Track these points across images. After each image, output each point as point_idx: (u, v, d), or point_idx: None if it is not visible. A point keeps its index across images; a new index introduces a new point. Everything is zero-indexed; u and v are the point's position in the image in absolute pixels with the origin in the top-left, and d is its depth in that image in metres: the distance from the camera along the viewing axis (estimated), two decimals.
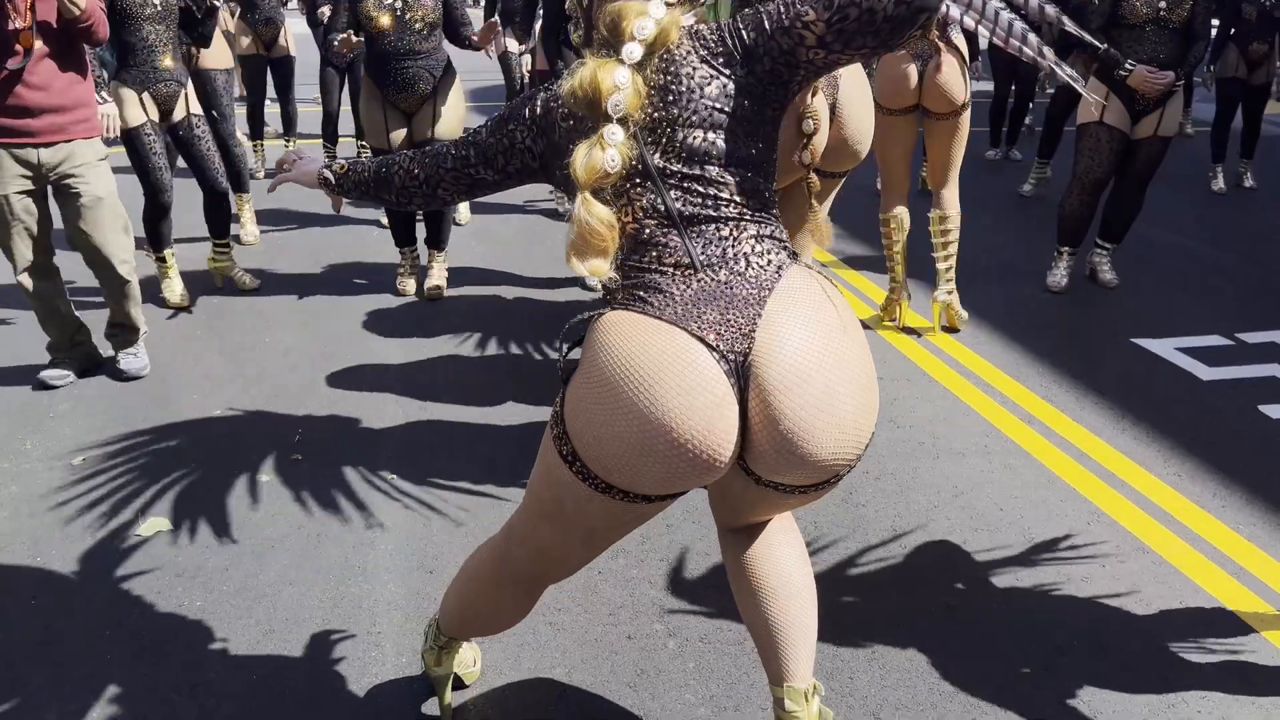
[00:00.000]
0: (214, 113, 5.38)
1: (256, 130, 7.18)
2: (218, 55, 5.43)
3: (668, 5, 1.54)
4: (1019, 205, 6.56)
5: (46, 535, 2.78)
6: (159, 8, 4.24)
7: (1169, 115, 4.54)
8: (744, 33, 1.54)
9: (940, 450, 3.23)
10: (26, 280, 3.66)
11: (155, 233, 4.50)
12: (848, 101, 2.70)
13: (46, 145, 3.49)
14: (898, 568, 2.63)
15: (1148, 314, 4.47)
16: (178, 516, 2.86)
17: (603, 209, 1.53)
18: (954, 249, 4.14)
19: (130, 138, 4.26)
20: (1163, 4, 4.36)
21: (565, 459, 1.56)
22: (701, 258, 1.52)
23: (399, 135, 4.47)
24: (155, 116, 4.33)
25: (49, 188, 3.59)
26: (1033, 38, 1.76)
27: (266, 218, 6.09)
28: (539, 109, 1.63)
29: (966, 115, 4.02)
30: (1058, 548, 2.71)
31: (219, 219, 4.72)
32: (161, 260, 4.57)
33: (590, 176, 1.51)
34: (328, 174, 1.86)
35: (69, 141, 3.53)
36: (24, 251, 3.61)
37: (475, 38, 4.42)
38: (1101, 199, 4.80)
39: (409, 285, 4.77)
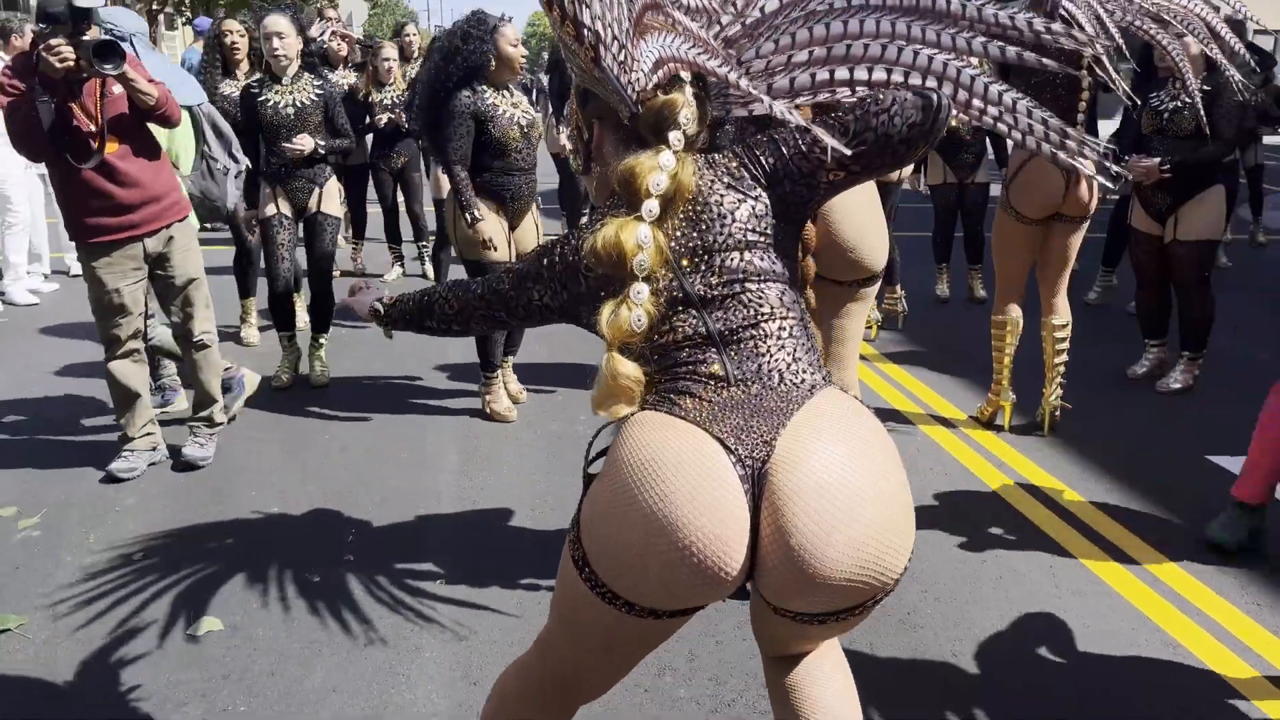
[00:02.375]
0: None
1: None
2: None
3: (676, 154, 1.55)
4: (1085, 312, 6.46)
5: (102, 630, 2.80)
6: (293, 117, 4.57)
7: (1190, 219, 4.56)
8: (762, 158, 1.57)
9: (1003, 570, 3.12)
10: (117, 366, 3.80)
11: (280, 313, 4.88)
12: (836, 206, 2.63)
13: (150, 234, 3.69)
14: (958, 694, 2.52)
15: (1224, 429, 4.31)
16: (229, 615, 2.87)
17: (630, 366, 1.54)
18: (1066, 355, 4.14)
19: (262, 226, 4.68)
20: (1166, 115, 4.47)
21: (576, 564, 1.53)
22: (736, 373, 1.52)
23: (509, 248, 4.35)
24: (287, 211, 4.65)
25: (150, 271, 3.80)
26: (1054, 120, 1.70)
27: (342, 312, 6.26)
28: (559, 265, 1.64)
29: (1088, 221, 4.05)
30: (1130, 681, 2.57)
31: (320, 314, 4.96)
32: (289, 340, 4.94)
33: (617, 336, 1.53)
34: (378, 306, 1.92)
35: (168, 226, 3.73)
36: (124, 340, 3.78)
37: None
38: (1170, 297, 4.84)
39: (500, 403, 4.51)
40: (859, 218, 2.70)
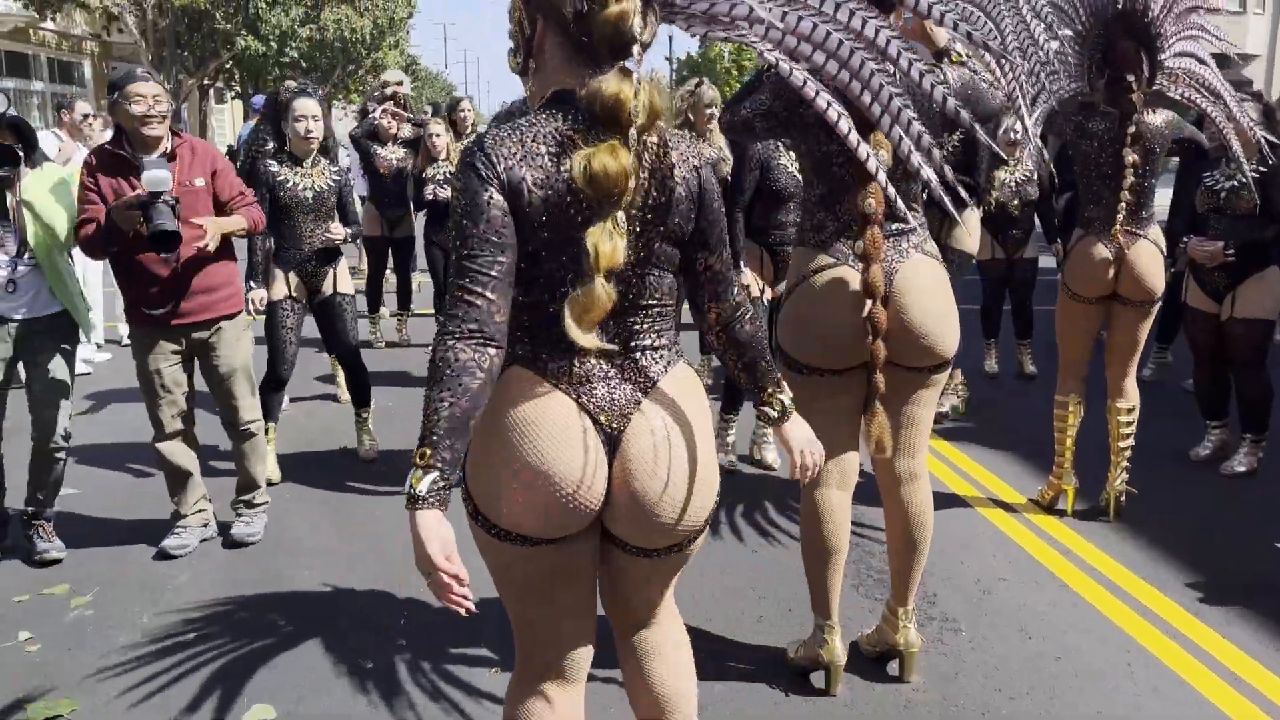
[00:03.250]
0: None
1: (374, 304, 7.53)
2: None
3: (644, 80, 1.59)
4: (1141, 389, 6.33)
5: (154, 716, 2.76)
6: (311, 200, 4.56)
7: (1247, 297, 4.53)
8: (705, 187, 1.73)
9: (1079, 669, 3.00)
10: (166, 447, 3.81)
11: (265, 403, 4.53)
12: (906, 290, 2.64)
13: (197, 326, 3.71)
14: None
15: None
16: (282, 701, 2.82)
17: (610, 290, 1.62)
18: (1132, 439, 4.06)
19: (269, 309, 4.55)
20: (1223, 194, 4.46)
21: (471, 516, 1.76)
22: (606, 344, 1.69)
23: None
24: (296, 294, 4.61)
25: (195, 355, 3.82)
26: (925, 136, 1.94)
27: (390, 378, 6.29)
28: (500, 171, 1.58)
29: (1158, 304, 3.98)
30: None
31: (360, 389, 4.91)
32: (265, 432, 4.70)
33: (611, 265, 1.59)
34: (439, 482, 1.58)
35: (217, 319, 3.75)
36: (168, 420, 3.78)
37: None
38: (1228, 376, 4.77)
39: None
40: (930, 302, 2.67)
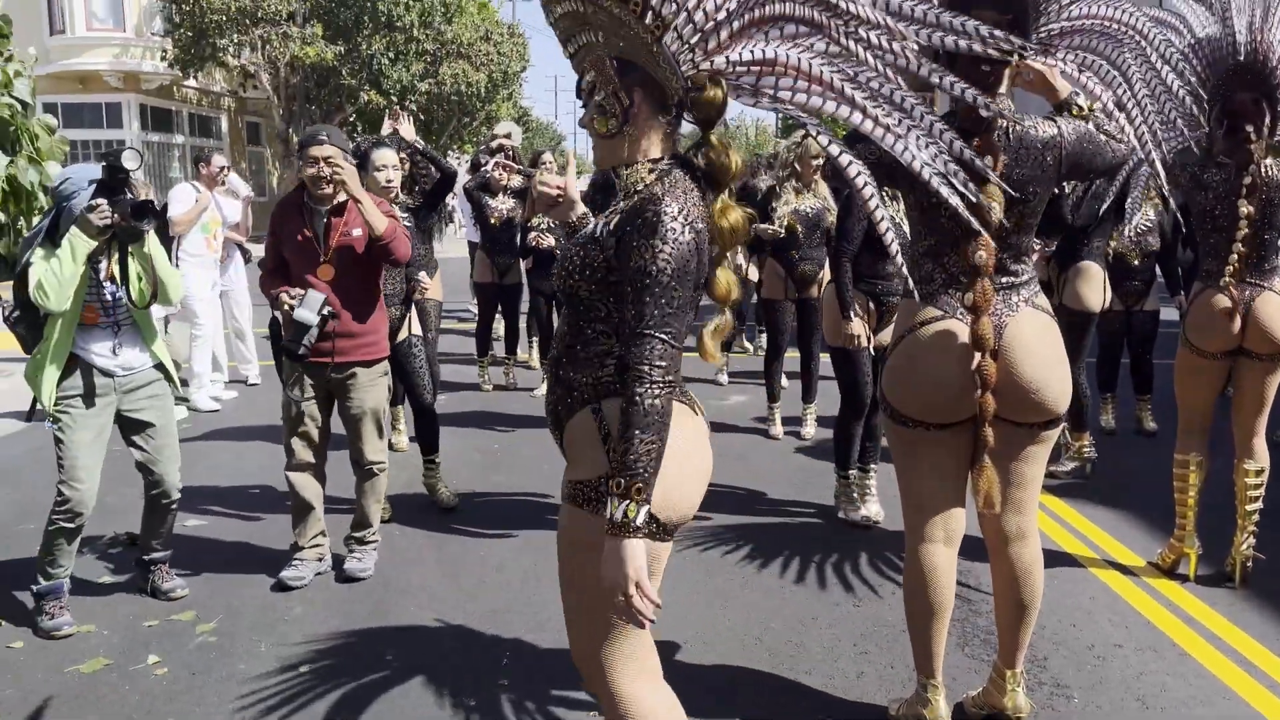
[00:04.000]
0: (427, 335, 5.82)
1: (484, 349, 7.75)
2: (434, 289, 5.95)
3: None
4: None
5: None
6: None
7: None
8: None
9: None
10: (294, 477, 4.01)
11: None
12: (1016, 344, 2.60)
13: (335, 367, 3.91)
14: None
15: None
16: None
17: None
18: (1260, 502, 3.88)
19: None
20: None
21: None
22: None
23: None
24: (420, 331, 4.79)
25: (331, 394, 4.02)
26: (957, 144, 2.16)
27: (497, 420, 6.44)
28: (702, 237, 1.90)
29: None
30: None
31: (427, 435, 4.98)
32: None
33: (734, 299, 2.01)
34: (640, 513, 1.79)
35: (353, 365, 3.95)
36: (300, 452, 3.99)
37: None
38: None
39: None
40: (1041, 356, 2.63)
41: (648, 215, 1.84)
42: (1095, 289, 5.44)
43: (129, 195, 3.46)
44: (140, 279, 3.58)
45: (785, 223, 5.86)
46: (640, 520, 1.77)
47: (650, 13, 1.81)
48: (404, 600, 3.86)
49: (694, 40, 1.85)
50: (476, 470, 5.62)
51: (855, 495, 4.72)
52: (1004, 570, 2.80)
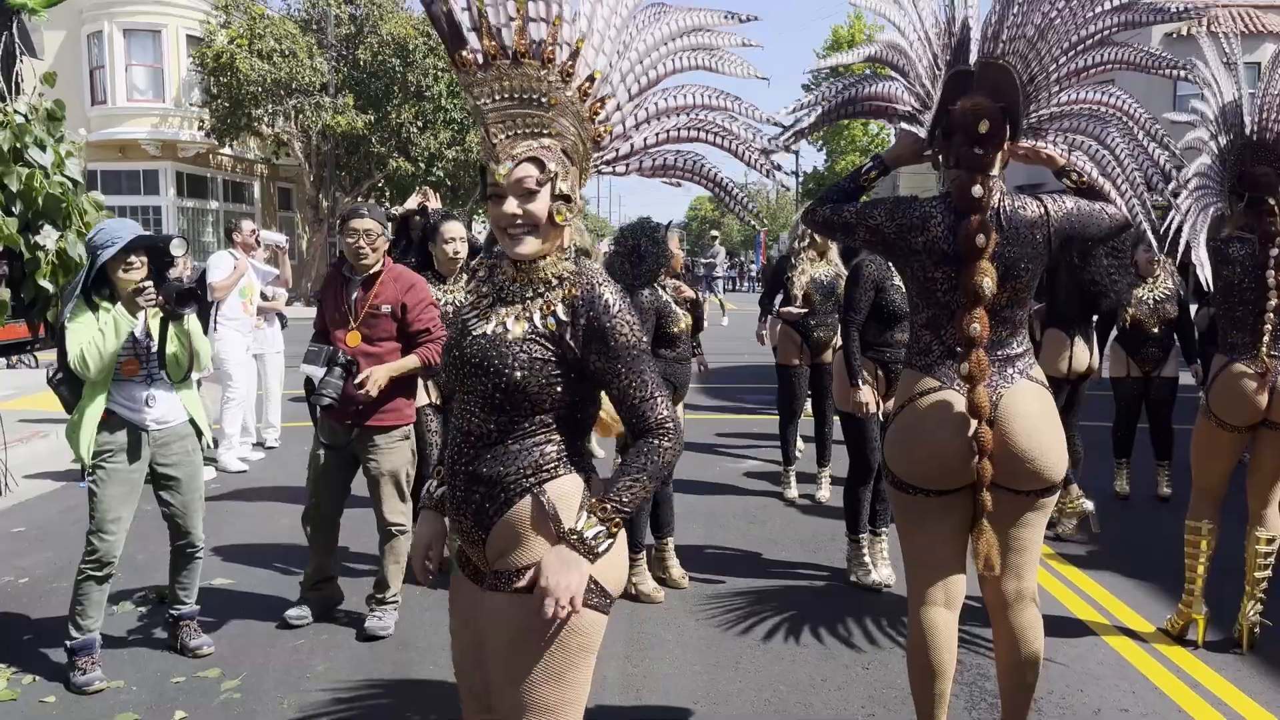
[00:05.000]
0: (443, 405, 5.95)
1: None
2: None
3: None
4: None
5: None
6: (452, 315, 4.87)
7: None
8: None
9: None
10: (310, 529, 4.22)
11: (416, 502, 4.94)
12: (1012, 414, 2.70)
13: (356, 428, 4.13)
14: None
15: None
16: None
17: None
18: (1270, 570, 3.91)
19: (416, 414, 4.87)
20: None
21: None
22: None
23: None
24: (437, 401, 4.92)
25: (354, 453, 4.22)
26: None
27: None
28: None
29: None
30: None
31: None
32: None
33: None
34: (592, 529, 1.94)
35: (372, 431, 4.15)
36: (317, 497, 4.21)
37: None
38: None
39: (647, 584, 4.61)
40: (1036, 426, 2.73)
41: (602, 297, 1.95)
42: (1057, 354, 5.53)
43: (176, 280, 3.65)
44: (178, 346, 3.75)
45: (803, 294, 6.02)
46: (601, 549, 1.91)
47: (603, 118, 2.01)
48: (423, 660, 3.95)
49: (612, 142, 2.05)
50: None
51: (866, 559, 4.78)
52: (1004, 634, 2.87)
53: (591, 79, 1.98)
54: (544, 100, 1.95)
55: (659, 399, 1.97)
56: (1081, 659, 3.90)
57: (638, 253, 4.43)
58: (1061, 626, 4.16)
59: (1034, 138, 2.84)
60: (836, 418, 5.22)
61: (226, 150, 25.13)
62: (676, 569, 4.80)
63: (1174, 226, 3.32)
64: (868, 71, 3.06)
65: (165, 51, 24.15)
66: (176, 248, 3.62)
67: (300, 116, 23.43)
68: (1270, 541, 3.91)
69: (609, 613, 1.99)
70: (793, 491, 6.45)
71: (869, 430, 4.66)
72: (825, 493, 6.41)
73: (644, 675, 3.79)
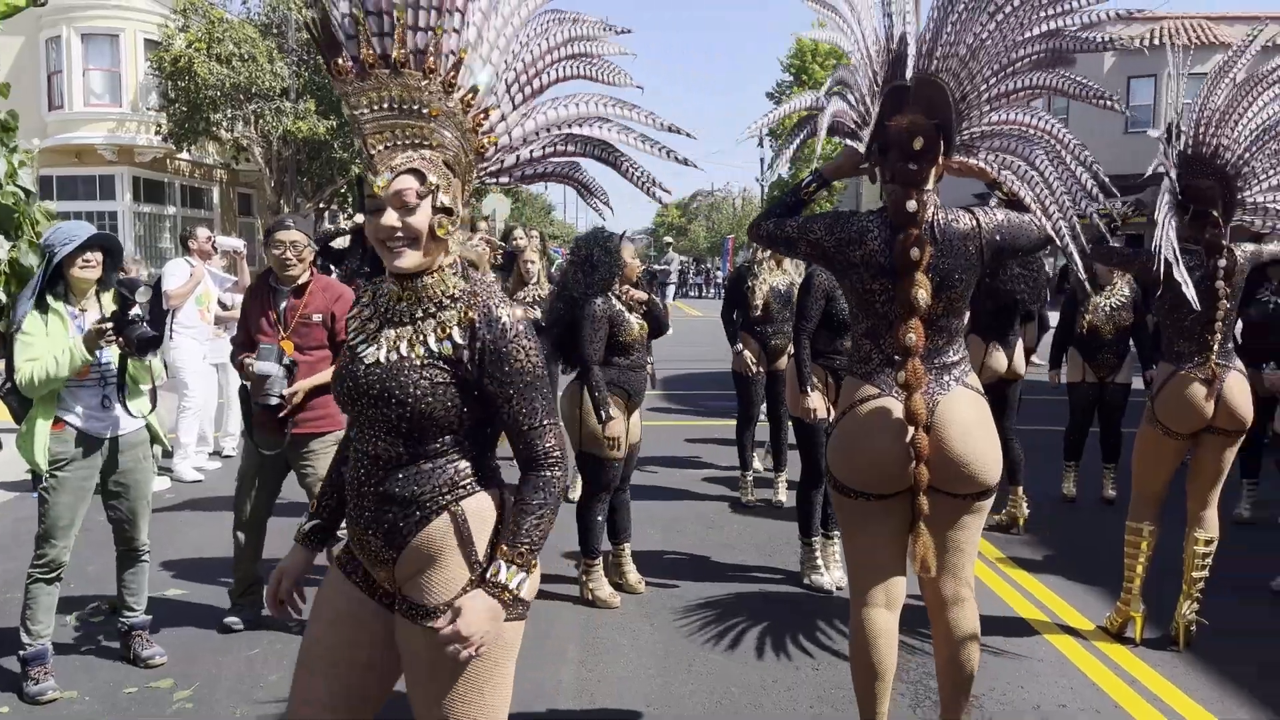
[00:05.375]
0: None
1: None
2: None
3: None
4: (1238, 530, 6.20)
5: None
6: None
7: None
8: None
9: None
10: (242, 535, 4.33)
11: None
12: (949, 420, 2.78)
13: (290, 438, 4.18)
14: None
15: None
16: None
17: None
18: (1207, 571, 4.02)
19: None
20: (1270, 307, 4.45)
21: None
22: None
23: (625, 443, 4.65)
24: None
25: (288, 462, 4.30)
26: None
27: None
28: None
29: (1244, 434, 3.99)
30: None
31: None
32: None
33: None
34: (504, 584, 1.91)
35: (304, 435, 4.21)
36: (248, 507, 4.30)
37: None
38: None
39: (603, 589, 4.63)
40: (971, 431, 2.82)
41: (500, 320, 1.90)
42: (972, 360, 5.66)
43: (137, 323, 3.60)
44: (137, 371, 3.78)
45: (763, 302, 6.14)
46: (523, 592, 1.89)
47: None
48: None
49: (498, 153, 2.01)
50: None
51: (819, 561, 4.87)
52: (942, 633, 2.95)
53: (475, 90, 1.92)
54: (424, 111, 1.88)
55: (547, 428, 1.93)
56: (1023, 656, 4.01)
57: (590, 262, 4.50)
58: (1005, 625, 4.28)
59: (965, 154, 2.93)
60: (790, 423, 5.32)
61: (184, 155, 24.85)
62: (633, 574, 4.86)
63: (1155, 247, 3.39)
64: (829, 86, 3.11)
65: (123, 56, 23.82)
66: (141, 294, 3.66)
67: (260, 121, 23.22)
68: (1209, 543, 4.03)
69: (526, 616, 1.99)
70: (749, 496, 6.53)
71: (819, 435, 4.75)
72: (782, 497, 6.49)
73: (598, 679, 3.83)
